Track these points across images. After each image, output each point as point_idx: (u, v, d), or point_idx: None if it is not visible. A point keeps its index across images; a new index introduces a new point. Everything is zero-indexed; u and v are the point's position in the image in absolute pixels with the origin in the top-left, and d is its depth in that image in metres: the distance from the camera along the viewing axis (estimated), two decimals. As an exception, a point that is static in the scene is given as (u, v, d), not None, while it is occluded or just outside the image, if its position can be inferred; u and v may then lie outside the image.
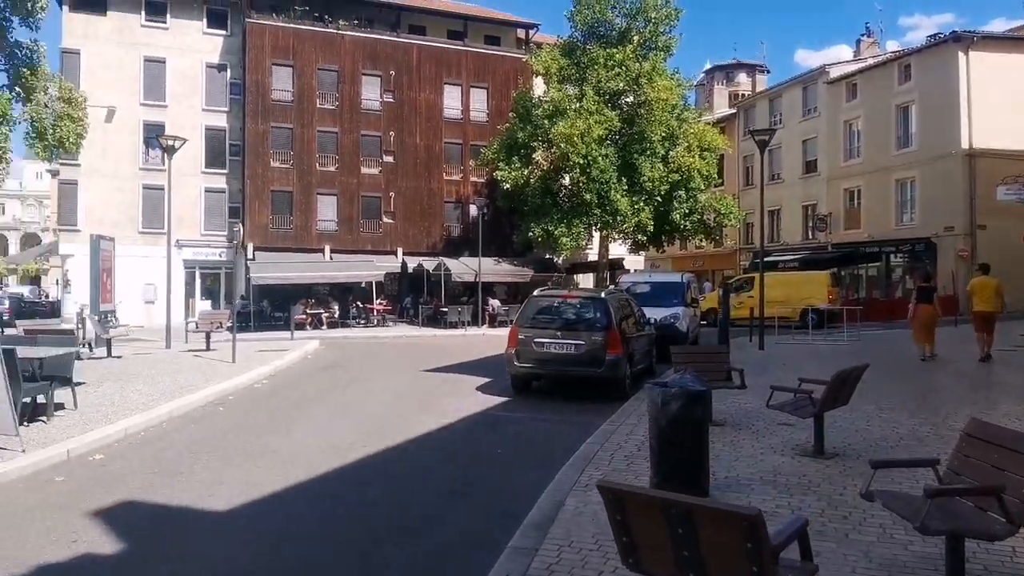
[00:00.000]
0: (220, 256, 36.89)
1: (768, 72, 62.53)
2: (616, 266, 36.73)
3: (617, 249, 38.28)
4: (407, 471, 7.76)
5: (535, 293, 13.17)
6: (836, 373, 7.53)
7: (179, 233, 36.69)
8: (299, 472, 7.52)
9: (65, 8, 35.78)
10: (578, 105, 31.60)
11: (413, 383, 13.89)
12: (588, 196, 30.77)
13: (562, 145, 30.50)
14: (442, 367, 15.83)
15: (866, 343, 19.47)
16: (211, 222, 37.33)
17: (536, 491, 6.43)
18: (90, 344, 15.95)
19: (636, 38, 32.75)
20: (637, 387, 11.91)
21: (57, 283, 46.54)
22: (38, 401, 9.24)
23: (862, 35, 42.36)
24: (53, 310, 37.30)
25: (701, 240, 35.27)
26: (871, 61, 38.47)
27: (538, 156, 31.63)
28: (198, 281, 37.64)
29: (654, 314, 16.70)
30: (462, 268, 33.45)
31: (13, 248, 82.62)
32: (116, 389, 11.72)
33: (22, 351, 8.97)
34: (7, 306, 38.26)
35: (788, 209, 41.91)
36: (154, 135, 36.68)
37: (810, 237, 40.10)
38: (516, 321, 12.44)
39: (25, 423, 8.68)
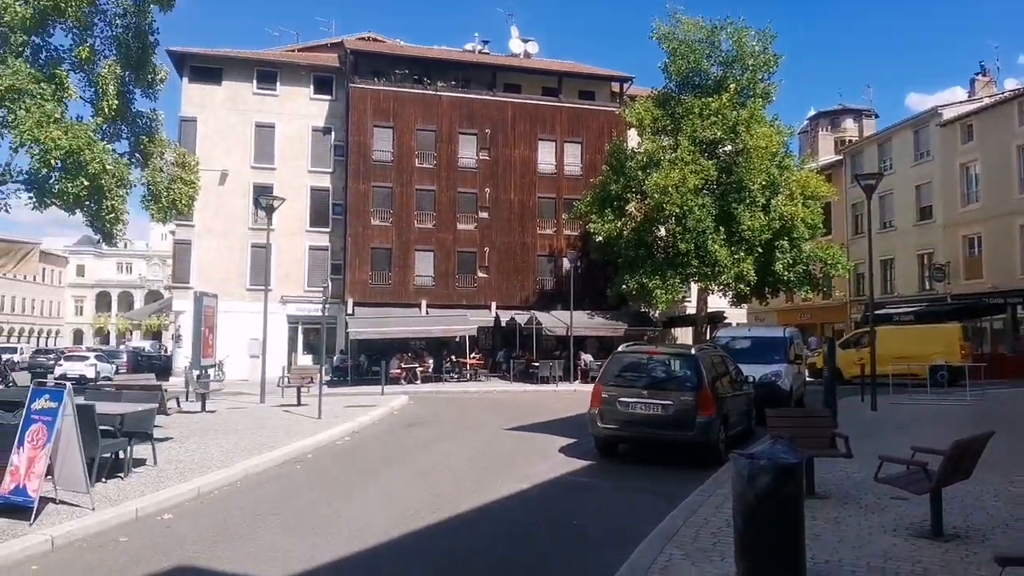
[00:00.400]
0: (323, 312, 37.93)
1: (876, 117, 60.11)
2: (716, 319, 35.44)
3: (717, 302, 37.02)
4: (474, 542, 7.27)
5: (620, 349, 12.54)
6: (955, 443, 6.61)
7: (284, 289, 38.10)
8: (362, 540, 7.16)
9: (184, 80, 38.33)
10: (672, 155, 31.03)
11: (494, 443, 13.44)
12: (683, 246, 29.93)
13: (656, 196, 29.93)
14: (526, 425, 15.34)
15: (992, 403, 17.75)
16: (314, 278, 38.47)
17: (609, 570, 5.84)
18: (178, 399, 16.32)
19: (733, 86, 32.05)
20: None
21: (172, 338, 48.92)
22: (119, 456, 9.32)
23: (976, 74, 40.05)
24: (167, 364, 39.08)
25: (807, 292, 33.57)
26: (988, 101, 36.28)
27: (631, 208, 31.10)
28: (300, 336, 38.70)
29: (753, 372, 15.75)
30: (554, 322, 33.03)
31: (139, 305, 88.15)
32: (199, 445, 11.81)
33: (103, 407, 9.10)
34: (125, 360, 40.48)
35: (902, 258, 39.59)
36: (261, 195, 38.71)
37: (927, 288, 37.62)
38: (599, 379, 11.85)
39: (103, 479, 8.75)
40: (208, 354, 21.61)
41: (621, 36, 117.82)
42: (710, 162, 31.30)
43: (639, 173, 31.71)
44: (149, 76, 26.26)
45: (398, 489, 9.50)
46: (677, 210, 29.77)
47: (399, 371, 31.01)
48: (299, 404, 18.05)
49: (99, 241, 25.47)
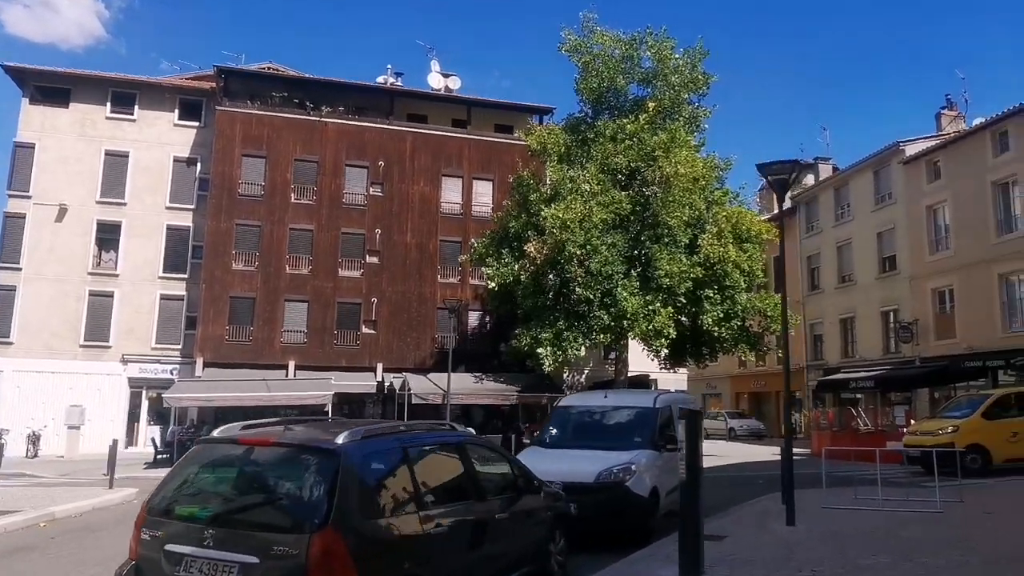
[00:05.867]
0: (172, 374, 31.58)
1: (836, 169, 55.52)
2: (639, 384, 29.37)
3: (645, 364, 30.97)
4: None
5: (216, 432, 6.32)
6: None
7: (126, 347, 31.81)
8: None
9: (25, 100, 32.65)
10: (577, 185, 25.53)
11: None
12: (581, 292, 24.14)
13: (555, 232, 24.33)
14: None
15: (972, 511, 11.73)
16: (165, 334, 32.20)
17: None
18: None
19: (652, 105, 26.89)
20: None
21: None
22: None
23: (942, 108, 35.18)
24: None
25: (746, 352, 27.73)
26: (955, 134, 31.42)
27: (530, 247, 25.40)
28: (145, 403, 32.03)
29: (592, 466, 9.80)
30: (428, 387, 26.84)
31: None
32: None
33: None
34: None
35: (864, 317, 34.08)
36: (108, 236, 32.74)
37: (892, 350, 31.94)
38: (148, 500, 5.68)
39: None
40: None
41: (552, 78, 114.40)
42: (623, 194, 25.83)
43: (541, 207, 26.18)
44: None
45: None
46: (579, 250, 24.10)
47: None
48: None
49: None
